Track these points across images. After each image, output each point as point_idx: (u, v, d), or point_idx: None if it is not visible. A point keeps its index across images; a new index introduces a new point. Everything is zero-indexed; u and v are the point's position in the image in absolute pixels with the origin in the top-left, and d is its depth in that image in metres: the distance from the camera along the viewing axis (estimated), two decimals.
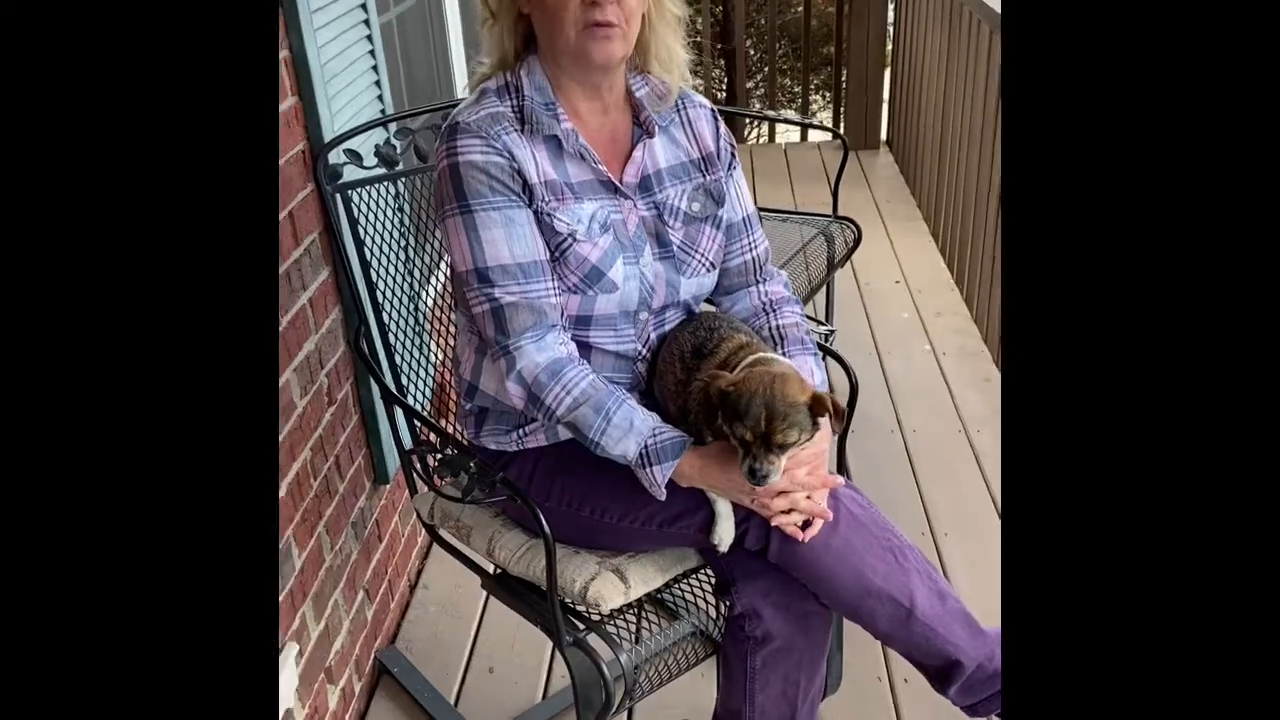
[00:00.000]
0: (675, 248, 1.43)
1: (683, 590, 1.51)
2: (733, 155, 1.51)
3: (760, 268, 1.55)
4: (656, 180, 1.43)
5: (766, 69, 5.74)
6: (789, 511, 1.32)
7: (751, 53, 6.61)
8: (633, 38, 1.35)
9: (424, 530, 1.98)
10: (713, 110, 1.50)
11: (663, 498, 1.35)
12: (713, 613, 1.46)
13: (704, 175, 1.46)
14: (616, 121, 1.43)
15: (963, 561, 2.18)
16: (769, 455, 1.25)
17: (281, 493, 1.54)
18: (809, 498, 1.32)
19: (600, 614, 1.43)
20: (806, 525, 1.33)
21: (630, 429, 1.32)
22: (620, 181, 1.40)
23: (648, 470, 1.33)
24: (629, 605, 1.45)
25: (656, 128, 1.43)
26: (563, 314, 1.37)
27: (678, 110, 1.46)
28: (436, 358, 1.90)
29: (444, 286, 1.89)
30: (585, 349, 1.41)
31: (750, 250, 1.53)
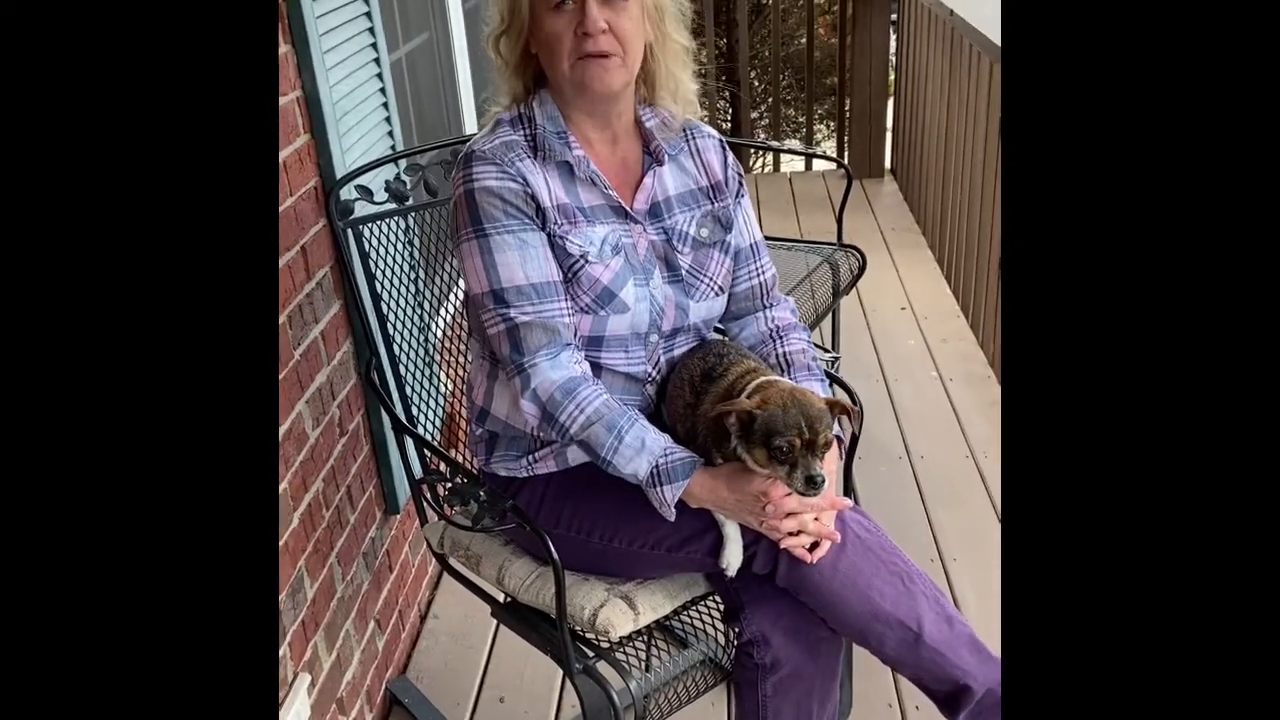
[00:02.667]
0: (684, 272, 1.46)
1: (691, 618, 1.52)
2: (740, 183, 1.54)
3: (767, 293, 1.57)
4: (666, 207, 1.46)
5: (770, 99, 5.79)
6: (797, 534, 1.33)
7: (756, 84, 6.69)
8: (634, 66, 1.38)
9: (434, 560, 1.99)
10: (721, 140, 1.54)
11: (672, 518, 1.36)
12: (722, 640, 1.47)
13: (712, 202, 1.49)
14: (626, 150, 1.46)
15: (972, 587, 2.18)
16: (815, 459, 1.28)
17: (294, 524, 1.55)
18: (816, 519, 1.33)
19: (609, 641, 1.44)
20: (814, 547, 1.34)
21: (642, 448, 1.34)
22: (631, 208, 1.43)
23: (658, 490, 1.34)
24: (638, 632, 1.46)
25: (666, 156, 1.46)
26: (576, 334, 1.40)
27: (686, 140, 1.50)
28: (446, 388, 1.92)
29: (453, 318, 1.92)
30: (596, 369, 1.43)
31: (757, 275, 1.55)
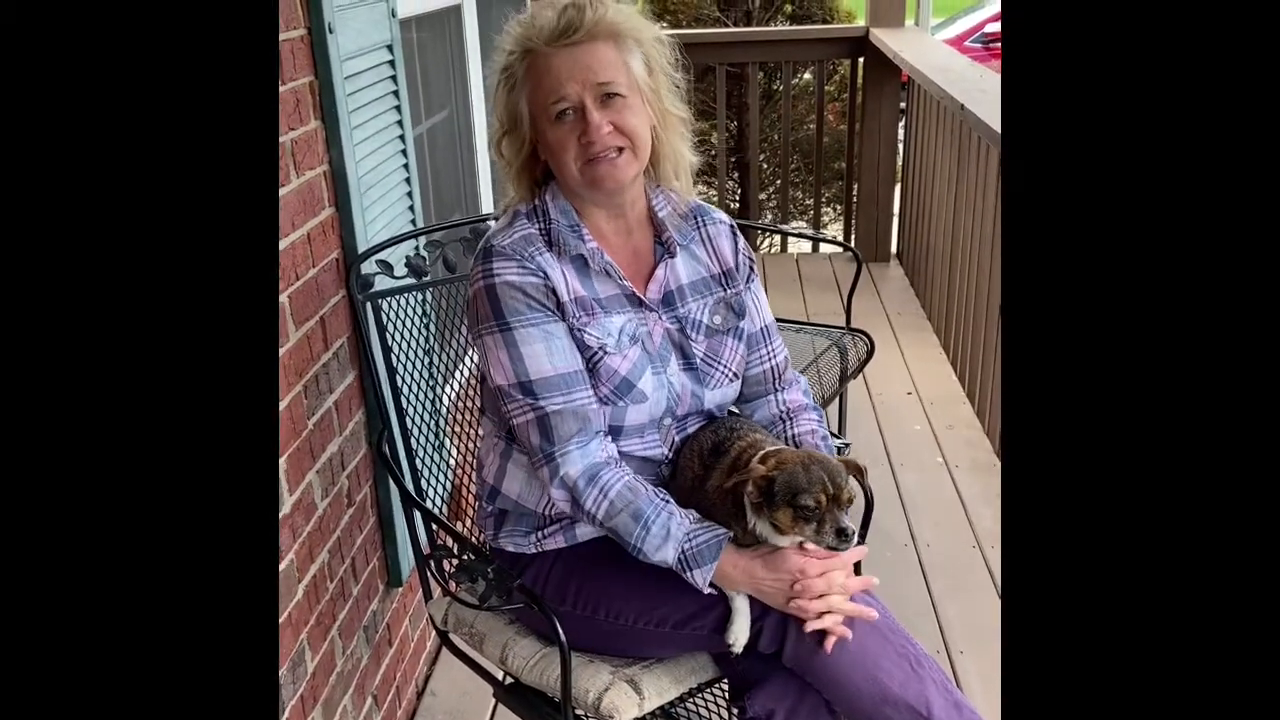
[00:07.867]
0: (698, 360, 1.47)
1: (697, 705, 1.50)
2: (751, 268, 1.57)
3: (779, 376, 1.58)
4: (679, 296, 1.48)
5: (779, 181, 5.89)
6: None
7: (765, 166, 6.81)
8: (644, 154, 1.40)
9: (433, 635, 1.97)
10: (732, 226, 1.56)
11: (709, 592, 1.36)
12: None
13: (724, 289, 1.51)
14: (639, 241, 1.48)
15: (979, 678, 2.15)
16: (843, 513, 1.30)
17: (298, 596, 1.54)
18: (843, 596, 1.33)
19: None
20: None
21: (668, 536, 1.34)
22: (644, 296, 1.45)
23: (689, 574, 1.34)
24: (642, 718, 1.44)
25: (678, 246, 1.48)
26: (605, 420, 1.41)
27: (697, 227, 1.52)
28: (453, 460, 1.92)
29: (461, 390, 1.93)
30: None
31: (769, 359, 1.56)
